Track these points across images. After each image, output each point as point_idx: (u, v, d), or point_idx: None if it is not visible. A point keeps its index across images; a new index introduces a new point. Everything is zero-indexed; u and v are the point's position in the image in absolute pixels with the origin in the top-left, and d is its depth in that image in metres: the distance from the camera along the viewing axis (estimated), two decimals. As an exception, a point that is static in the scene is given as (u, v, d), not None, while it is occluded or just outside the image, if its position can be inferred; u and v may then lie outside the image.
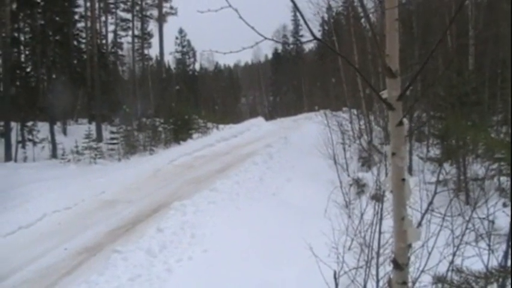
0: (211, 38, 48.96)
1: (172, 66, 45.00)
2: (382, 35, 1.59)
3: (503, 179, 7.34)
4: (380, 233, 3.71)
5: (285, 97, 46.93)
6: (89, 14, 22.90)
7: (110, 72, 26.25)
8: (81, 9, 23.58)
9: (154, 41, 28.60)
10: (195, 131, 20.31)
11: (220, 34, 46.70)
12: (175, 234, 7.26)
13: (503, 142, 7.48)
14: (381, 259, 3.69)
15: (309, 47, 47.27)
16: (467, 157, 8.42)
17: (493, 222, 3.39)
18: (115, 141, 16.46)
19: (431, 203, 3.47)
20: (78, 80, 21.96)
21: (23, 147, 16.41)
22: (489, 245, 3.00)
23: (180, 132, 18.92)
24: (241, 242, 6.74)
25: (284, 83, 45.66)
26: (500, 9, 12.62)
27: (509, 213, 2.74)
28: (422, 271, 3.38)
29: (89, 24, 23.02)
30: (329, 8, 17.57)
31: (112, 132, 17.06)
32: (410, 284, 2.40)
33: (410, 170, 9.23)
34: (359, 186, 9.37)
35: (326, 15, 18.42)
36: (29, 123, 16.83)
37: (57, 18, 21.14)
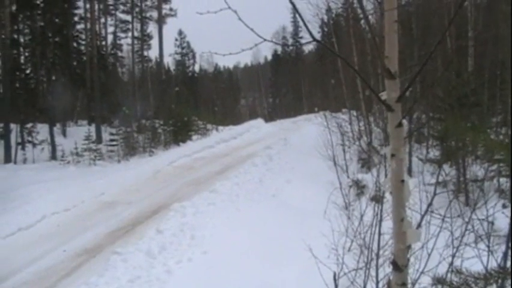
0: (211, 40, 48.96)
1: (172, 67, 44.95)
2: (381, 36, 1.59)
3: (502, 180, 7.34)
4: (379, 234, 3.70)
5: (285, 98, 46.95)
6: (88, 15, 22.90)
7: (110, 74, 26.23)
8: (81, 11, 23.63)
9: (154, 42, 28.64)
10: (195, 132, 20.33)
11: (219, 36, 46.96)
12: (174, 235, 7.26)
13: (502, 143, 7.48)
14: (380, 260, 3.69)
15: (308, 48, 47.19)
16: (467, 158, 8.41)
17: (492, 223, 3.39)
18: (114, 142, 16.45)
19: (430, 204, 3.47)
20: (78, 82, 21.95)
21: (23, 148, 16.41)
22: (488, 246, 3.00)
23: (180, 134, 18.91)
24: (240, 244, 6.74)
25: (284, 84, 45.65)
26: (499, 11, 12.63)
27: (509, 215, 2.74)
28: (422, 272, 3.38)
29: (88, 25, 23.02)
30: (328, 10, 17.58)
31: (112, 134, 17.07)
32: (409, 286, 2.41)
33: (410, 172, 9.23)
34: (359, 187, 9.37)
35: (325, 17, 18.45)
36: (29, 125, 16.84)
37: (57, 20, 21.10)
